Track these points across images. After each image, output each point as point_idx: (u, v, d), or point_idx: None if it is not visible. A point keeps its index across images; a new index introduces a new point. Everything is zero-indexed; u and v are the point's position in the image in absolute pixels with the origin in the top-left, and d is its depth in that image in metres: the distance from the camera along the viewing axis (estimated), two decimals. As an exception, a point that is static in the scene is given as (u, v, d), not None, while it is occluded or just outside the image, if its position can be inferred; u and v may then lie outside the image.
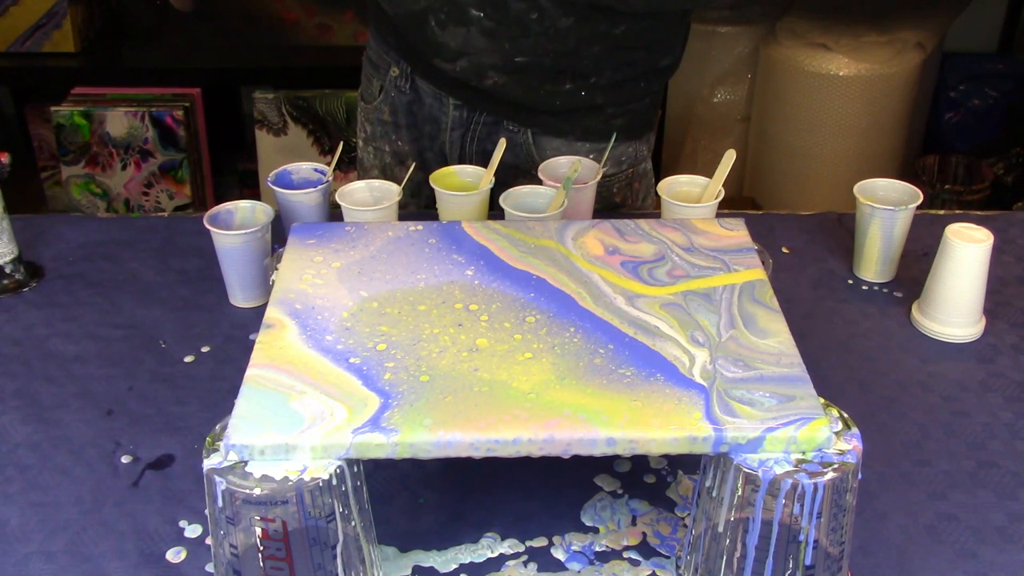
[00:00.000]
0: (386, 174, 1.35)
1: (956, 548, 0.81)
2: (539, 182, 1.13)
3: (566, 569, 0.79)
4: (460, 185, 1.13)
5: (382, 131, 1.32)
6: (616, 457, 0.89)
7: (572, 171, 1.08)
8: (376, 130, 1.33)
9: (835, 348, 1.04)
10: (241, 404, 0.71)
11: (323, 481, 0.67)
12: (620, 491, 0.86)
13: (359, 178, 1.41)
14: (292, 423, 0.69)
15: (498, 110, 1.23)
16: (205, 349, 1.04)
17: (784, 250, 1.21)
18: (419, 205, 1.34)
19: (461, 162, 1.28)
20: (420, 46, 1.20)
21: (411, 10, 1.16)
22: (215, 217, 1.07)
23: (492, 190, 1.11)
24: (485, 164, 1.14)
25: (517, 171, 1.25)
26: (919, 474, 0.89)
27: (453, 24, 1.14)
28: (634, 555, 0.80)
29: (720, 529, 0.70)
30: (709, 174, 1.11)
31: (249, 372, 0.74)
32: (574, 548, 0.81)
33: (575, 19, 1.12)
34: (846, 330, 1.07)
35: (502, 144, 1.12)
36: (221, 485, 0.67)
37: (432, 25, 1.15)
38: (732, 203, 2.43)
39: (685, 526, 0.82)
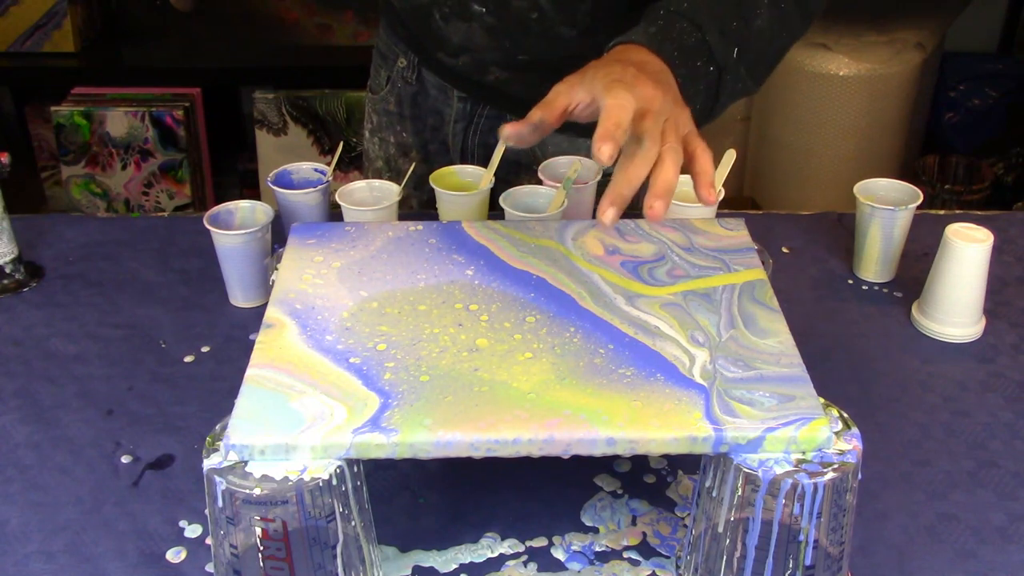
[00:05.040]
0: (390, 165, 1.35)
1: (956, 548, 0.81)
2: (540, 178, 1.13)
3: (566, 569, 0.79)
4: (460, 185, 1.13)
5: (387, 122, 1.33)
6: (616, 457, 0.89)
7: (572, 171, 1.08)
8: (382, 121, 1.34)
9: (835, 348, 1.04)
10: (241, 404, 0.71)
11: (323, 481, 0.67)
12: (620, 491, 0.86)
13: (364, 169, 1.42)
14: (292, 423, 0.69)
15: (501, 104, 1.23)
16: (205, 349, 1.04)
17: (784, 250, 1.21)
18: (421, 198, 1.34)
19: (463, 155, 1.29)
20: (424, 39, 1.21)
21: (417, 3, 1.17)
22: (215, 217, 1.07)
23: (493, 188, 1.11)
24: (487, 157, 1.14)
25: (519, 167, 1.25)
26: (919, 474, 0.89)
27: (456, 19, 1.15)
28: (634, 555, 0.80)
29: (720, 529, 0.70)
30: (709, 174, 1.11)
31: (249, 372, 0.74)
32: (574, 548, 0.81)
33: (577, 32, 1.12)
34: (846, 330, 1.07)
35: (502, 144, 1.12)
36: (221, 485, 0.67)
37: (436, 19, 1.16)
38: (732, 203, 2.43)
39: (685, 526, 0.82)
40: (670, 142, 0.78)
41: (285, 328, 0.78)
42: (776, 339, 0.77)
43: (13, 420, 0.94)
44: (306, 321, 0.79)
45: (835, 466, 0.68)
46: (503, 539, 0.82)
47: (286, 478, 0.67)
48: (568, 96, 0.83)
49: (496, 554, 0.80)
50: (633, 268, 0.86)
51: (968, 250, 1.01)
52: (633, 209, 1.32)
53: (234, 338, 1.05)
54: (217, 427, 0.71)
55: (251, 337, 1.04)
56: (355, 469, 0.70)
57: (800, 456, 0.68)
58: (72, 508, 0.85)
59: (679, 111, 0.82)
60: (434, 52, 1.21)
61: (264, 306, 0.83)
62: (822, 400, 0.71)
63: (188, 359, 1.02)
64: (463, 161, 1.29)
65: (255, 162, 2.40)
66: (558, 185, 1.08)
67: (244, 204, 1.10)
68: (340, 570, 0.70)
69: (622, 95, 0.78)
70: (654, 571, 0.79)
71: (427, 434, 0.68)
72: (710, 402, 0.70)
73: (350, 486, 0.69)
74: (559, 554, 0.80)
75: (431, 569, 0.79)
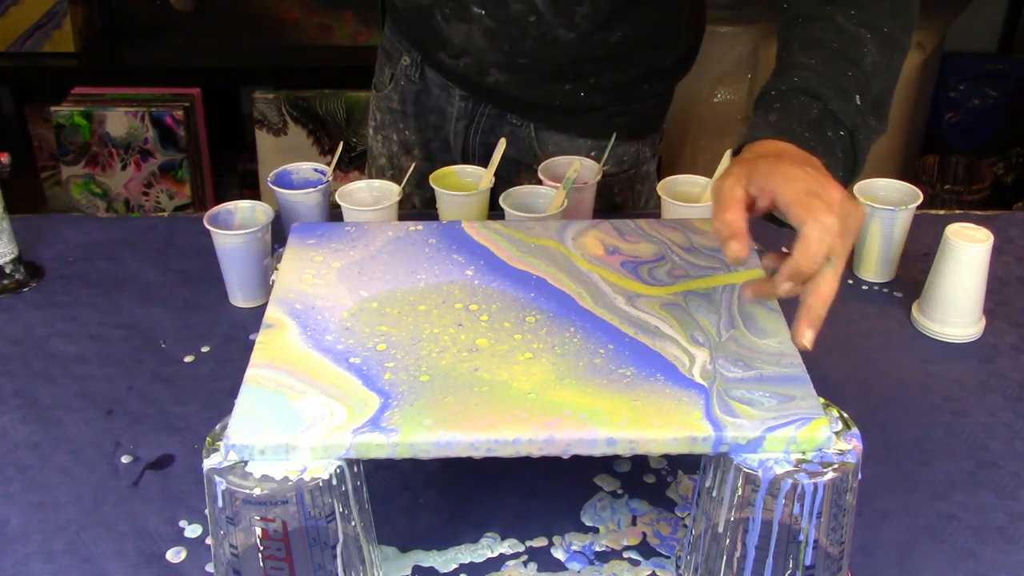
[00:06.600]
0: (393, 163, 1.36)
1: (956, 548, 0.81)
2: (540, 178, 1.13)
3: (566, 569, 0.79)
4: (460, 185, 1.13)
5: (391, 119, 1.34)
6: (616, 457, 0.89)
7: (572, 171, 1.08)
8: (385, 118, 1.35)
9: (835, 348, 1.04)
10: (241, 404, 0.71)
11: (323, 481, 0.67)
12: (620, 491, 0.86)
13: (367, 166, 1.42)
14: (292, 423, 0.69)
15: (502, 103, 1.24)
16: (205, 349, 1.04)
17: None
18: (423, 196, 1.34)
19: (464, 153, 1.29)
20: (426, 39, 1.22)
21: (418, 4, 1.17)
22: (215, 217, 1.07)
23: (493, 188, 1.11)
24: (487, 156, 1.14)
25: (519, 166, 1.25)
26: (919, 474, 0.89)
27: (456, 20, 1.15)
28: (634, 555, 0.80)
29: (720, 529, 0.70)
30: (709, 174, 1.11)
31: (249, 372, 0.74)
32: (574, 548, 0.81)
33: (575, 35, 1.12)
34: (846, 330, 1.07)
35: (502, 144, 1.12)
36: (221, 485, 0.67)
37: (438, 19, 1.17)
38: (732, 203, 2.42)
39: (685, 526, 0.82)
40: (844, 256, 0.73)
41: (285, 328, 0.78)
42: (776, 339, 0.77)
43: (13, 420, 0.94)
44: (306, 321, 0.79)
45: (835, 466, 0.68)
46: (503, 539, 0.82)
47: (286, 478, 0.67)
48: (740, 195, 0.77)
49: (496, 554, 0.80)
50: (633, 268, 0.86)
51: (968, 250, 1.01)
52: (633, 209, 1.32)
53: (234, 338, 1.05)
54: (217, 427, 0.71)
55: (251, 337, 1.04)
56: (355, 469, 0.70)
57: (800, 456, 0.68)
58: (72, 508, 0.85)
59: (851, 207, 0.76)
60: (435, 52, 1.21)
61: (264, 306, 0.83)
62: (822, 400, 0.71)
63: (188, 359, 1.02)
64: (464, 159, 1.29)
65: (255, 162, 2.40)
66: (558, 185, 1.08)
67: (244, 204, 1.10)
68: (340, 570, 0.70)
69: (824, 218, 0.73)
70: (654, 571, 0.79)
71: (427, 434, 0.68)
72: (710, 402, 0.70)
73: (350, 486, 0.69)
74: (559, 554, 0.80)
75: (431, 569, 0.79)
